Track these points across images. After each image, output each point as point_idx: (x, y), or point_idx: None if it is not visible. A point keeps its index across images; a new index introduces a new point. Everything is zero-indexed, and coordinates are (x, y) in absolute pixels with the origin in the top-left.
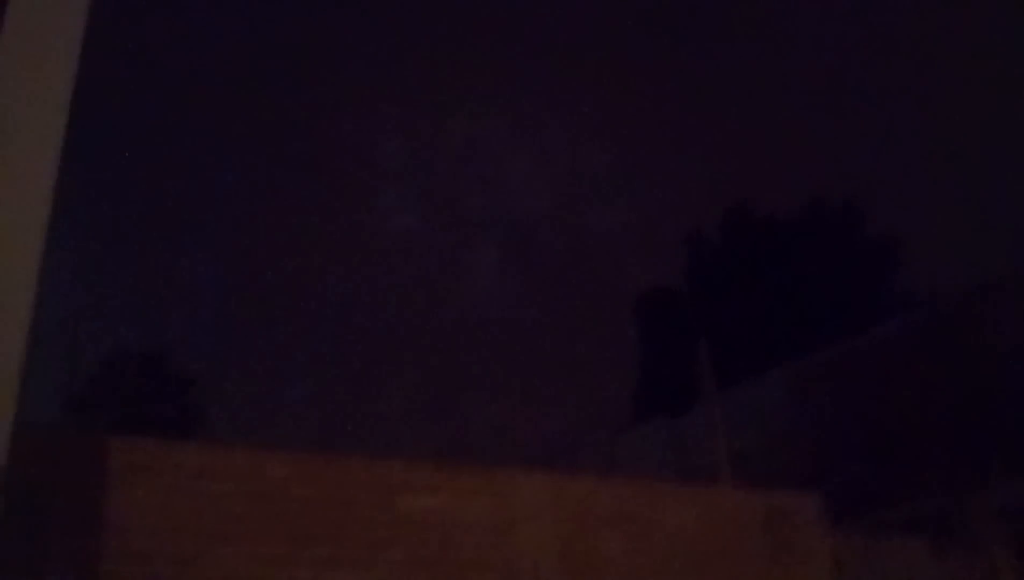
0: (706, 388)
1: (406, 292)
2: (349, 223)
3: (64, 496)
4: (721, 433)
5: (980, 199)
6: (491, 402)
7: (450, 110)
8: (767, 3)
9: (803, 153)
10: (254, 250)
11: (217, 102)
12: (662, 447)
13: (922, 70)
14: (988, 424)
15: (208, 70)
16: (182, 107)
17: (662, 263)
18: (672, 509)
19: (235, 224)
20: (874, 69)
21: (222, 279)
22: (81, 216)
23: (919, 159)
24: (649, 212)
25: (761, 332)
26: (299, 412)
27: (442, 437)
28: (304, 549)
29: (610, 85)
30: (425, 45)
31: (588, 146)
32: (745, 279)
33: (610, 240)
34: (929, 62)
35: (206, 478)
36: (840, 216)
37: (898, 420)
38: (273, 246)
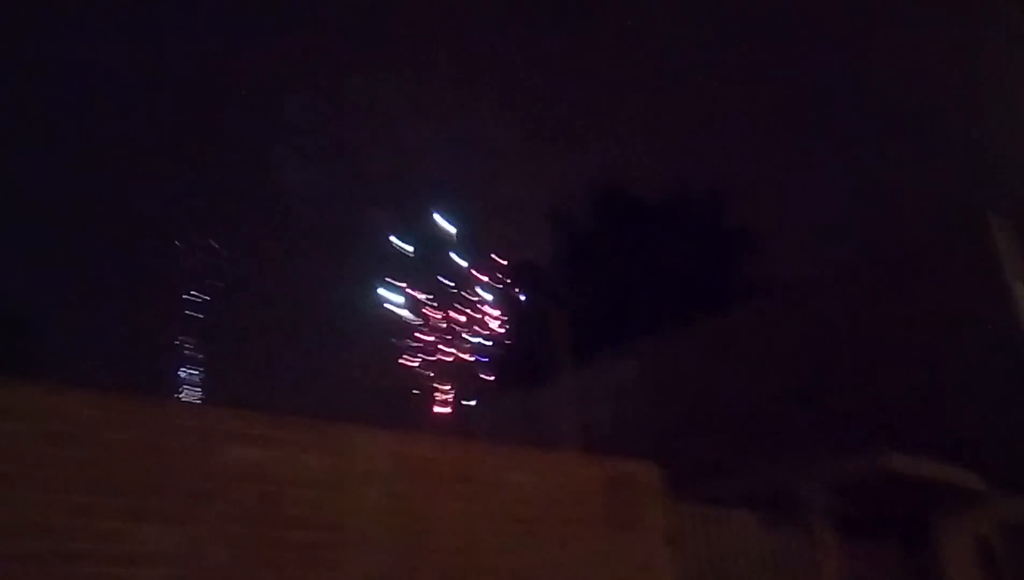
0: (559, 358)
1: (294, 243)
2: (241, 172)
3: None
4: (570, 403)
5: (830, 199)
6: (361, 364)
7: (355, 71)
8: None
9: (675, 142)
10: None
11: (108, 40)
12: (516, 417)
13: (797, 71)
14: (822, 405)
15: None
16: (71, 48)
17: (536, 237)
18: (513, 473)
19: (114, 162)
20: (752, 70)
21: (80, 222)
22: None
23: (780, 156)
24: (532, 186)
25: (623, 310)
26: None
27: (298, 396)
28: (110, 499)
29: (511, 63)
30: (336, 4)
31: (483, 120)
32: (610, 258)
33: (495, 210)
34: (803, 63)
35: None
36: (703, 204)
37: (742, 398)
38: (157, 185)
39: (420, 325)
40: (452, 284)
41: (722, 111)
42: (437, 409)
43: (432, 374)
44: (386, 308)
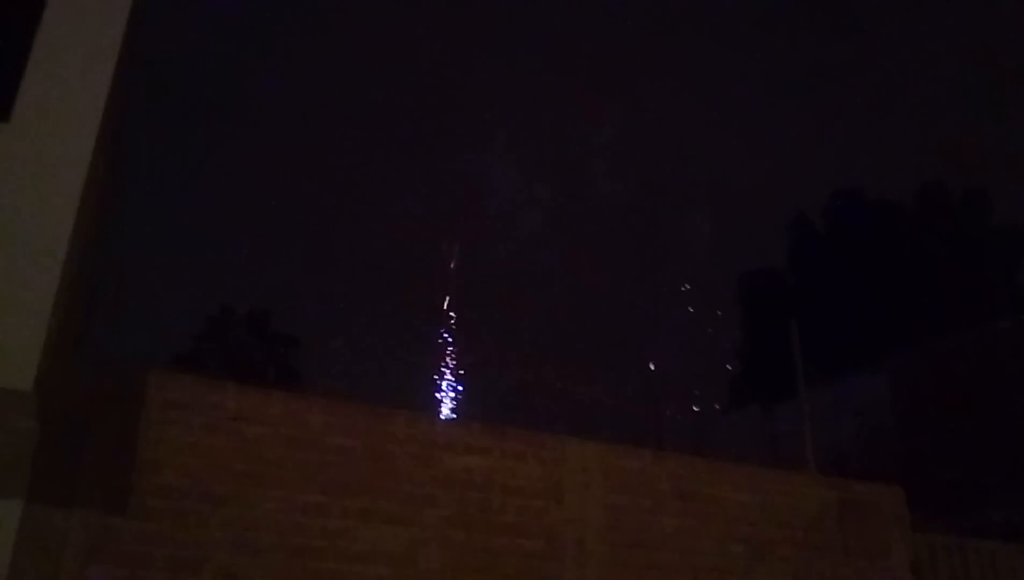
0: (797, 374)
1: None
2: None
3: (99, 428)
4: (808, 422)
5: None
6: (577, 375)
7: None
8: None
9: (917, 137)
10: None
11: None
12: (754, 435)
13: None
14: None
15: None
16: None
17: (768, 246)
18: (737, 491)
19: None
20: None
21: (329, 245)
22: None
23: None
24: (757, 191)
25: (869, 321)
26: (393, 375)
27: (516, 407)
28: (339, 499)
29: (732, 62)
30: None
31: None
32: (852, 264)
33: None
34: None
35: (243, 420)
36: (959, 203)
37: (1009, 418)
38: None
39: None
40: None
41: (978, 99)
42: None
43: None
44: None
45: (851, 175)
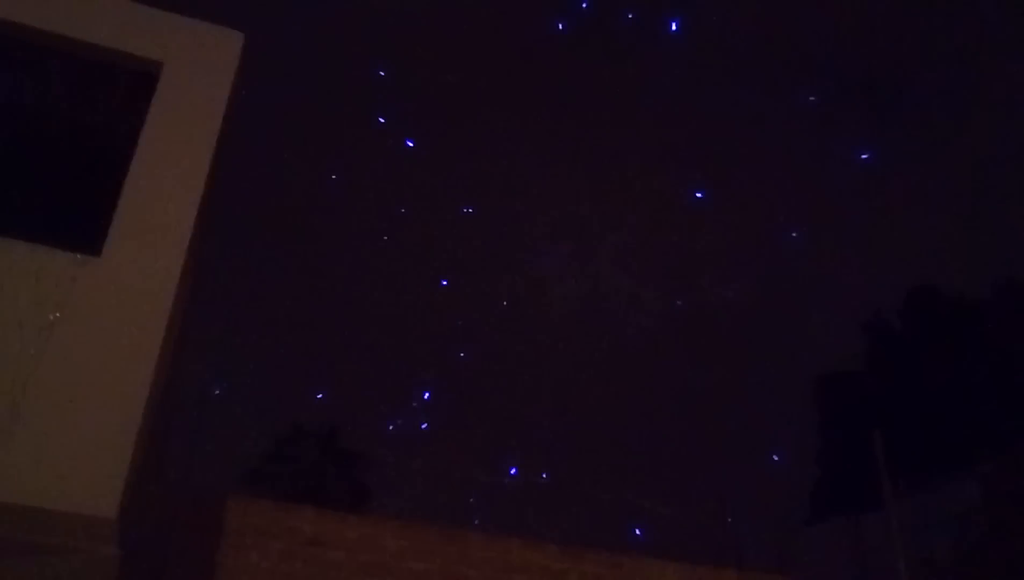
0: (883, 484)
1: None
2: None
3: (180, 553)
4: (898, 536)
5: None
6: (642, 486)
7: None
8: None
9: (994, 233)
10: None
11: None
12: (841, 549)
13: None
14: None
15: None
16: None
17: (844, 348)
18: None
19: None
20: None
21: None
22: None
23: None
24: (832, 293)
25: (957, 424)
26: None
27: (581, 525)
28: None
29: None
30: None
31: (777, 226)
32: (935, 366)
33: (793, 321)
34: None
35: (320, 545)
36: None
37: None
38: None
39: None
40: None
41: None
42: None
43: None
44: None
45: (925, 272)
